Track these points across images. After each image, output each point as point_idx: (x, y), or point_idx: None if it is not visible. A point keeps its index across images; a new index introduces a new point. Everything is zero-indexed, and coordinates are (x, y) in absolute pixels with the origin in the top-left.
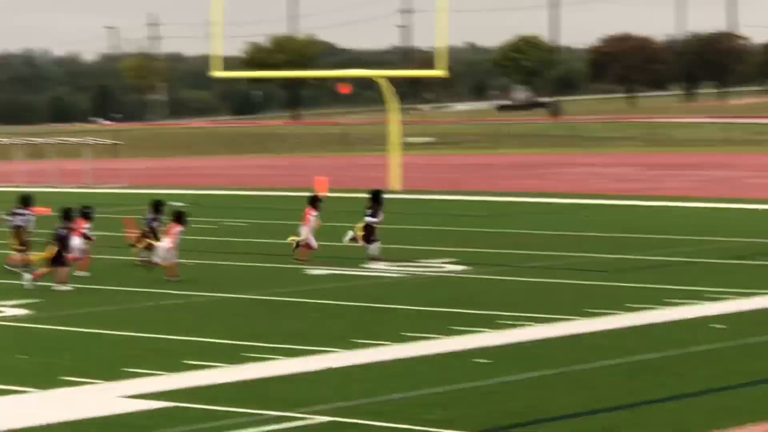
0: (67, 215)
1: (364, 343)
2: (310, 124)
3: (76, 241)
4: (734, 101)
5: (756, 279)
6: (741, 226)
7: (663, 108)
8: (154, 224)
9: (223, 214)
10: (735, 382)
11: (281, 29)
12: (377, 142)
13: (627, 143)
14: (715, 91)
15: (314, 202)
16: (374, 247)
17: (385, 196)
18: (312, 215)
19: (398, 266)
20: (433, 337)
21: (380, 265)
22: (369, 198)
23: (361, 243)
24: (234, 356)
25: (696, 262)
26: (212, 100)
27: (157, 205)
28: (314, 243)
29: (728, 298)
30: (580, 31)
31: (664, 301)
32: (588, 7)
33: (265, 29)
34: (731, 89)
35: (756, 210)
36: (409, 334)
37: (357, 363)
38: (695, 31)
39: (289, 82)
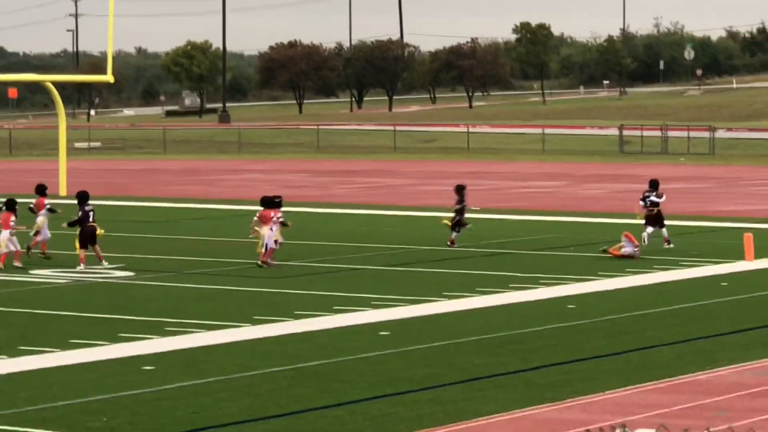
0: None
1: (30, 350)
2: None
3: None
4: (401, 109)
5: (419, 286)
6: (405, 234)
7: (331, 115)
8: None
9: None
10: (398, 389)
11: None
12: (45, 146)
13: (296, 150)
14: (383, 98)
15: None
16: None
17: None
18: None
19: (63, 272)
20: (100, 344)
21: (45, 272)
22: (650, 183)
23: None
24: None
25: (363, 269)
26: None
27: (460, 189)
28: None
29: (394, 305)
30: (250, 37)
31: (333, 308)
32: (258, 14)
33: None
34: (399, 97)
35: (420, 217)
36: (75, 341)
37: (22, 370)
38: (364, 39)
39: None
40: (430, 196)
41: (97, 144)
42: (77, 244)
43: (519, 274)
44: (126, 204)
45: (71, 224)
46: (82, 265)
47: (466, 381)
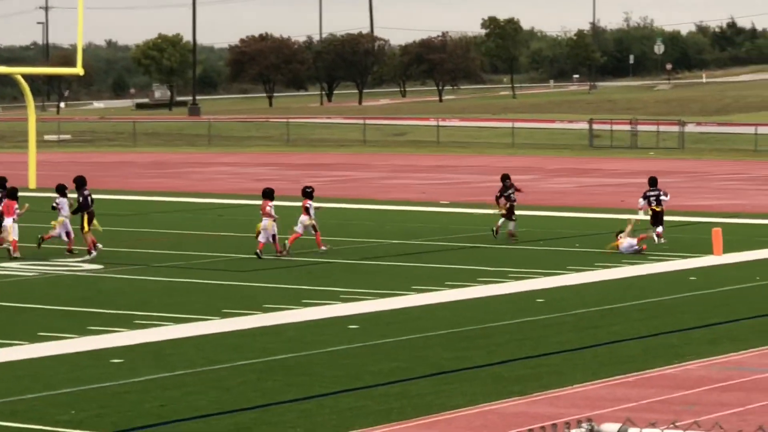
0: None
1: None
2: None
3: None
4: (371, 102)
5: (388, 280)
6: (375, 227)
7: (301, 108)
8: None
9: None
10: (366, 382)
11: None
12: (15, 138)
13: (265, 143)
14: (353, 92)
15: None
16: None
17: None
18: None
19: (32, 265)
20: (69, 337)
21: (14, 264)
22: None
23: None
24: None
25: (332, 263)
26: None
27: (505, 179)
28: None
29: (362, 299)
30: (220, 30)
31: (301, 301)
32: (228, 7)
33: None
34: (369, 90)
35: (389, 210)
36: (44, 333)
37: None
38: (333, 32)
39: None
40: (399, 190)
41: (67, 136)
42: (85, 228)
43: (488, 268)
44: (95, 197)
45: (75, 212)
46: (99, 245)
47: (434, 375)
